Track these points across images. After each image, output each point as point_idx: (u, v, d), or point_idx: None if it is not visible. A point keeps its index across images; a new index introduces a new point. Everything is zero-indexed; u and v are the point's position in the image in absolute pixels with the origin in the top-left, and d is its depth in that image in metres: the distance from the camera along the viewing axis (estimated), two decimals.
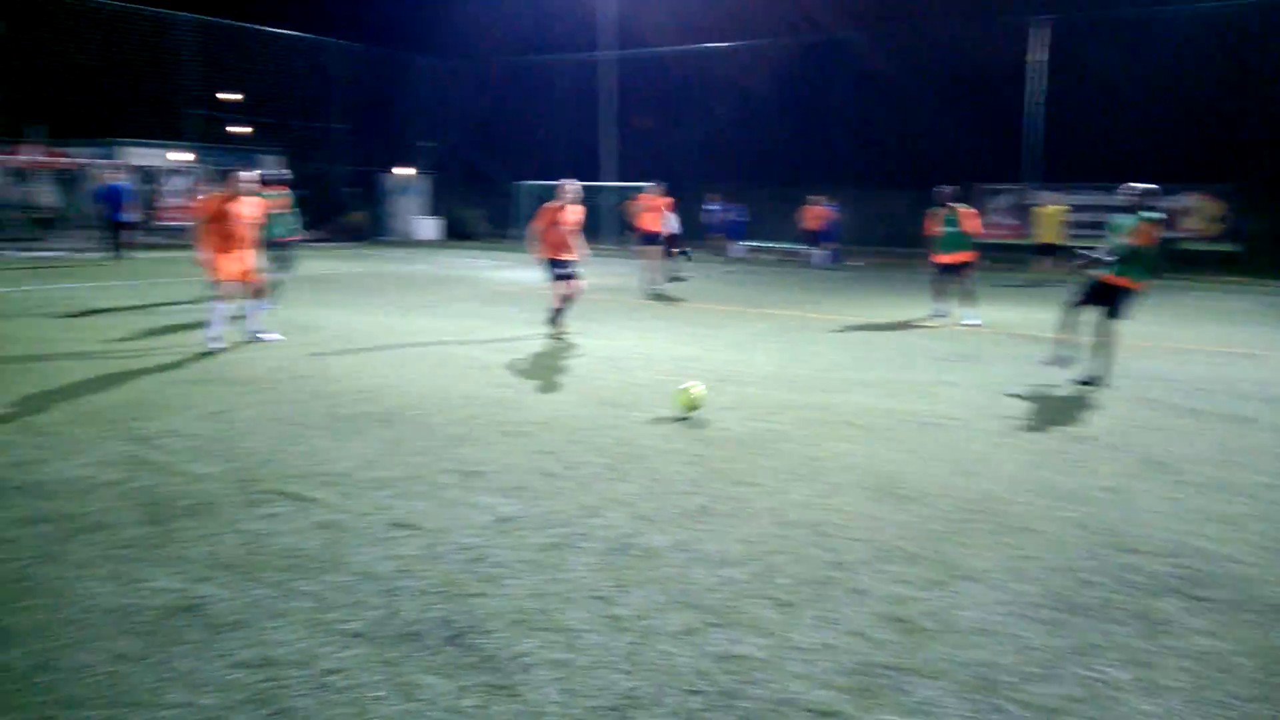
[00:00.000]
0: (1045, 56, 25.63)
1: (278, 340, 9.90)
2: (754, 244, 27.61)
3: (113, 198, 20.09)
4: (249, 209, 9.65)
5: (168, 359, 8.85)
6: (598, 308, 13.71)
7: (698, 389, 6.97)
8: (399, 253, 27.15)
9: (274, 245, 12.18)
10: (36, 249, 23.28)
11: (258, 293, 9.93)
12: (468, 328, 11.59)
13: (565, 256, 10.90)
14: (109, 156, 25.28)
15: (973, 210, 12.86)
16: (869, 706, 2.99)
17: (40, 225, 27.24)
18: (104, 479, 5.11)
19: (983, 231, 12.24)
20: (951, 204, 12.70)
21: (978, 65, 27.83)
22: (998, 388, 8.28)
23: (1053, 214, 21.35)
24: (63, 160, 24.52)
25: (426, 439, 6.14)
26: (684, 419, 6.76)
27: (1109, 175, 24.72)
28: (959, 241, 12.62)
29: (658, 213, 17.01)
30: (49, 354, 8.99)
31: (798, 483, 5.36)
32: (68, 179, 25.19)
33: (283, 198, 13.14)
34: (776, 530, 4.57)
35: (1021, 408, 7.51)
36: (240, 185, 9.55)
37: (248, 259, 9.63)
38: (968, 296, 12.74)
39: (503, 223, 33.90)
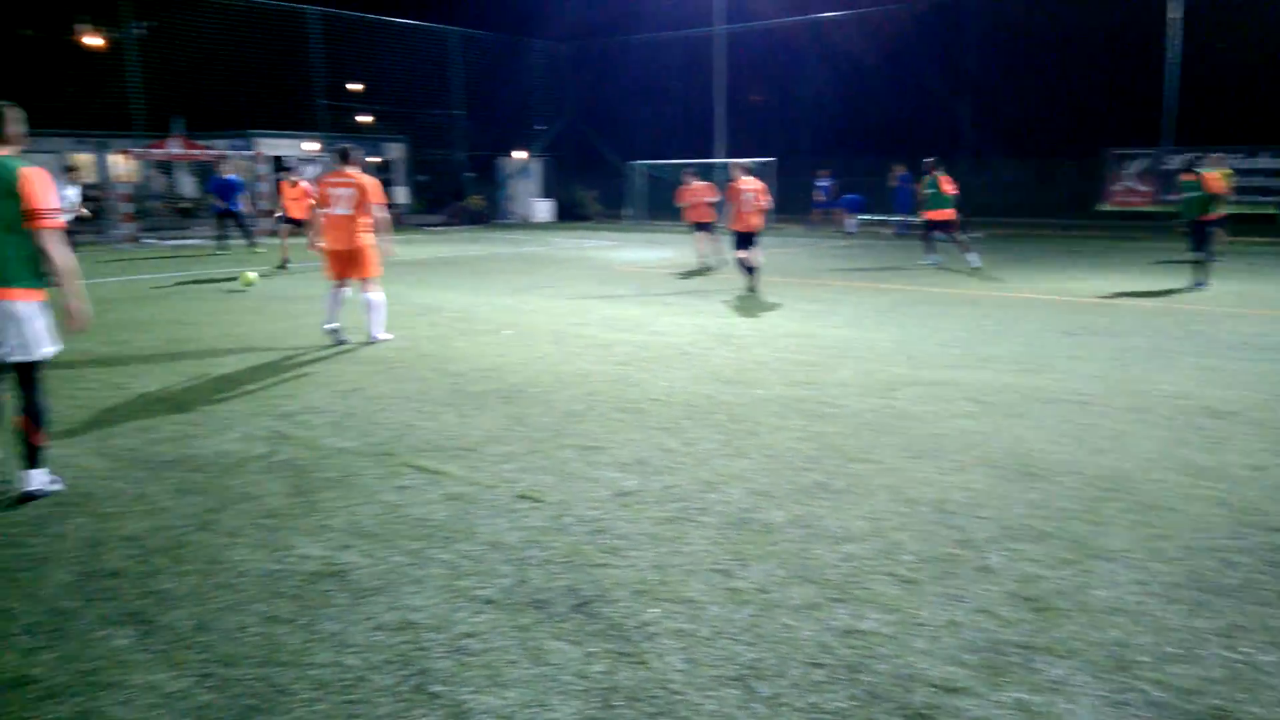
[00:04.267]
0: (1180, 14, 24.21)
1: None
2: (869, 218, 27.05)
3: (224, 190, 20.83)
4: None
5: (301, 341, 9.29)
6: (714, 283, 13.68)
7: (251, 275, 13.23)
8: (516, 235, 27.68)
9: None
10: (178, 237, 24.71)
11: None
12: (584, 307, 11.76)
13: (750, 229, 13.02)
14: (245, 148, 26.49)
15: (949, 177, 16.15)
16: (998, 684, 2.95)
17: (182, 215, 28.91)
18: (251, 453, 5.44)
19: (956, 192, 16.05)
20: (934, 172, 16.10)
21: (1101, 26, 26.55)
22: (1133, 362, 7.94)
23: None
24: (203, 152, 25.80)
25: (547, 415, 6.30)
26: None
27: (1246, 138, 23.22)
28: (941, 201, 16.07)
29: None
30: (194, 336, 9.54)
31: (919, 460, 5.28)
32: (206, 171, 26.50)
33: None
34: (898, 507, 4.53)
35: (1156, 382, 7.19)
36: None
37: None
38: (963, 245, 16.11)
39: (615, 203, 34.12)
